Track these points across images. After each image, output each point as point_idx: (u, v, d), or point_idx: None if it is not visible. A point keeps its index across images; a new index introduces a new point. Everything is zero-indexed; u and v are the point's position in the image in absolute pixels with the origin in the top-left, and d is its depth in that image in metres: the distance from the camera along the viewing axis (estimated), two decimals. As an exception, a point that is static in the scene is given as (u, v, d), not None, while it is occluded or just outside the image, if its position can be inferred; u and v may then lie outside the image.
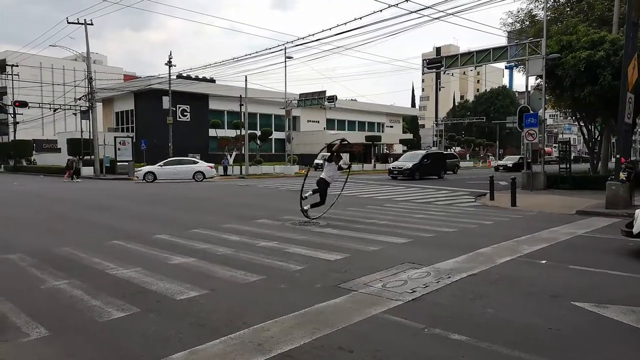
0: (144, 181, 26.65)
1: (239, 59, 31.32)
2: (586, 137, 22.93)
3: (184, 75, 42.04)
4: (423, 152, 33.71)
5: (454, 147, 68.31)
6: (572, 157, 24.35)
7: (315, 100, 39.04)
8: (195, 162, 28.18)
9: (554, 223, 10.62)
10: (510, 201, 14.31)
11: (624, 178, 12.48)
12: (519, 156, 49.00)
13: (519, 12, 28.14)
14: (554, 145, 74.41)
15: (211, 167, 28.35)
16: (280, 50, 31.87)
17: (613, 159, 15.29)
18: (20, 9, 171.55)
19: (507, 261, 6.86)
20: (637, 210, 7.42)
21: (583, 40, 18.56)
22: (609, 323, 4.37)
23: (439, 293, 5.27)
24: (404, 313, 4.57)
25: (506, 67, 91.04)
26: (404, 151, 50.56)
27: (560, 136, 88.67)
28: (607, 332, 4.20)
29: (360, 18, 21.67)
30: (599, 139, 23.16)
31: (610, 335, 4.14)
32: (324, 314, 4.59)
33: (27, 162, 50.72)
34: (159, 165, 28.01)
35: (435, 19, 22.98)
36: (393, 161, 38.87)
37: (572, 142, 45.66)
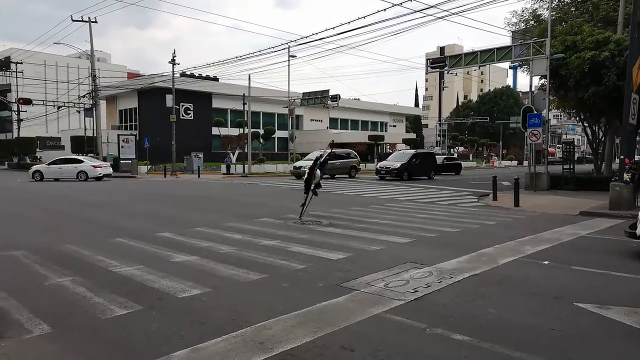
0: (33, 179, 26.65)
1: (243, 57, 31.42)
2: (590, 137, 22.85)
3: (188, 73, 42.06)
4: (412, 151, 32.27)
5: (456, 147, 68.25)
6: (575, 158, 24.26)
7: (319, 99, 39.02)
8: (79, 162, 27.93)
9: (557, 224, 10.59)
10: (513, 201, 14.28)
11: (628, 179, 12.44)
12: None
13: (523, 11, 28.10)
14: (558, 145, 74.21)
15: (96, 167, 27.66)
16: (284, 49, 31.97)
17: (617, 160, 15.23)
18: (24, 6, 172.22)
19: (510, 262, 6.84)
20: (640, 212, 7.39)
21: (588, 40, 18.49)
22: (611, 324, 4.36)
23: (441, 293, 5.27)
24: (406, 313, 4.57)
25: (510, 67, 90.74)
26: (407, 151, 50.39)
27: (564, 137, 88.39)
28: (609, 333, 4.19)
29: (364, 17, 21.71)
30: (603, 139, 23.08)
31: (612, 336, 4.12)
32: (326, 313, 4.59)
33: (32, 159, 50.89)
34: (46, 165, 28.37)
35: (439, 18, 22.90)
36: None
37: (576, 143, 45.23)
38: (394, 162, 29.03)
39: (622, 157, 12.88)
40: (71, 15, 33.88)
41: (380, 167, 29.44)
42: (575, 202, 14.70)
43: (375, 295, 5.12)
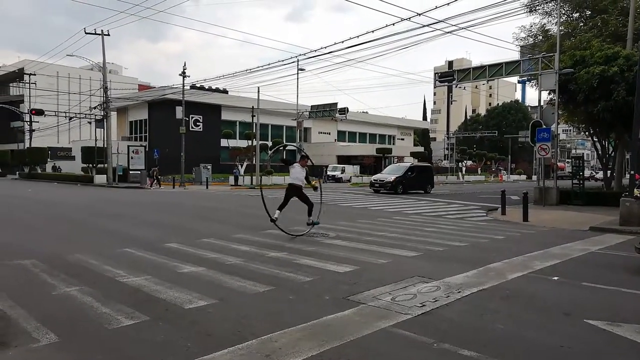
0: None
1: (252, 70, 31.76)
2: (600, 152, 22.70)
3: (198, 85, 42.49)
4: (407, 164, 31.40)
5: (465, 161, 68.03)
6: (585, 173, 24.08)
7: (327, 112, 39.16)
8: None
9: (566, 239, 10.48)
10: (522, 216, 14.17)
11: (639, 194, 12.32)
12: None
13: (532, 26, 28.17)
14: (567, 160, 73.71)
15: None
16: (293, 62, 32.25)
17: (627, 175, 15.10)
18: (40, 19, 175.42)
19: (519, 277, 6.78)
20: (651, 228, 7.31)
21: (597, 55, 18.47)
22: (622, 342, 4.29)
23: (448, 308, 5.22)
24: (413, 327, 4.53)
25: (519, 82, 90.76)
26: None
27: (573, 151, 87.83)
28: (620, 351, 4.12)
29: (373, 31, 21.90)
30: (612, 154, 22.91)
31: (624, 354, 4.06)
32: (332, 326, 4.56)
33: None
34: None
35: (448, 33, 23.03)
36: None
37: (585, 158, 44.74)
38: (388, 175, 28.12)
39: (632, 172, 12.76)
40: (84, 28, 34.37)
41: (374, 180, 28.55)
42: (584, 218, 14.56)
43: (382, 309, 5.09)
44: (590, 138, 26.63)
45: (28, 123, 49.26)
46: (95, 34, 34.39)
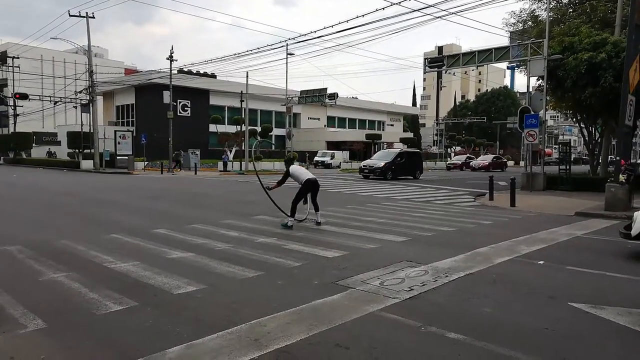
0: None
1: (241, 54, 31.42)
2: (586, 138, 22.92)
3: (185, 70, 42.00)
4: (397, 150, 31.55)
5: (454, 147, 68.38)
6: (572, 159, 24.30)
7: (316, 97, 38.97)
8: None
9: (552, 224, 10.62)
10: (509, 201, 14.32)
11: (624, 180, 12.48)
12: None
13: (521, 12, 28.10)
14: (555, 146, 74.41)
15: None
16: (282, 46, 31.90)
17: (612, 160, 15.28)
18: (23, 2, 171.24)
19: (505, 261, 6.86)
20: (635, 213, 7.42)
21: (585, 41, 18.53)
22: (605, 324, 4.38)
23: (436, 292, 5.28)
24: (401, 311, 4.58)
25: (508, 68, 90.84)
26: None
27: (560, 137, 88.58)
28: (603, 333, 4.21)
29: (363, 16, 21.68)
30: (599, 140, 23.14)
31: (606, 336, 4.14)
32: (321, 310, 4.59)
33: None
34: None
35: (438, 18, 22.91)
36: None
37: (572, 144, 45.16)
38: (378, 160, 28.28)
39: (617, 158, 12.91)
40: (69, 10, 33.58)
41: (363, 166, 28.82)
42: (571, 203, 14.75)
43: (371, 294, 5.13)
44: (577, 124, 26.83)
45: (12, 107, 48.39)
46: (80, 16, 33.68)
